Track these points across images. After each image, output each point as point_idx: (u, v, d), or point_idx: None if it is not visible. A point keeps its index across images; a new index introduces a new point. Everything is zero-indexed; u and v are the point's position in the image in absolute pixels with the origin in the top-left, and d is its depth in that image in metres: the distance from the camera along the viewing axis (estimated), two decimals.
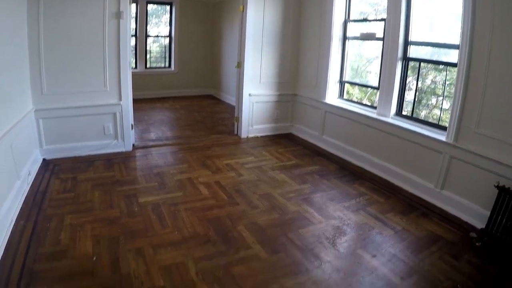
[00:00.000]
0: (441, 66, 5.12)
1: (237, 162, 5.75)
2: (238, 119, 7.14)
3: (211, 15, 11.32)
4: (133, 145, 6.13)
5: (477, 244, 3.72)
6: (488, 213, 3.82)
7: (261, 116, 7.27)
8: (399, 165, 5.22)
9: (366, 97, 6.92)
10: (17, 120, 4.27)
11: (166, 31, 11.14)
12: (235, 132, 7.30)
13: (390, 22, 5.29)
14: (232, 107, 8.80)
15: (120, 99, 5.71)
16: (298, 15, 7.13)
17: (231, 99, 10.27)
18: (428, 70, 5.42)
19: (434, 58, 5.19)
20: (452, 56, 4.66)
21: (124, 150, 5.90)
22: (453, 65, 4.56)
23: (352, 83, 6.80)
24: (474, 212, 4.16)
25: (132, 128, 6.01)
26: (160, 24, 11.20)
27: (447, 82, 4.93)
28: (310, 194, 4.77)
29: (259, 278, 3.13)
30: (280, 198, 4.59)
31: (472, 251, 3.62)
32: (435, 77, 5.41)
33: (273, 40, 7.02)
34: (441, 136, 4.58)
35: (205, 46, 11.44)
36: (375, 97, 6.34)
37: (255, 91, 7.04)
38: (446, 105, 4.96)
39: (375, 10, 6.21)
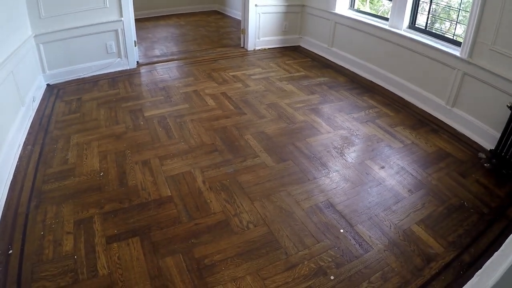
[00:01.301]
0: None
1: (244, 74, 5.63)
2: (244, 31, 6.90)
3: None
4: (137, 62, 5.97)
5: (485, 165, 3.61)
6: (498, 135, 3.66)
7: (268, 27, 7.00)
8: (410, 80, 5.04)
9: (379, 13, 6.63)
10: (16, 47, 4.12)
11: None
12: (242, 45, 7.08)
13: None
14: (238, 22, 8.50)
15: (121, 15, 5.45)
16: None
17: (237, 14, 9.89)
18: None
19: None
20: None
21: (128, 67, 5.75)
22: None
23: None
24: (485, 133, 4.02)
25: (135, 45, 5.83)
26: None
27: None
28: (318, 105, 4.68)
29: (266, 185, 3.13)
30: (287, 108, 4.51)
31: (480, 171, 3.53)
32: None
33: None
34: (455, 51, 4.32)
35: None
36: (388, 14, 6.07)
37: (261, 1, 6.70)
38: (462, 20, 4.65)
39: None
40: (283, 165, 3.41)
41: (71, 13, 5.11)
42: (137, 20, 5.96)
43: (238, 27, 8.10)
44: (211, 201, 2.92)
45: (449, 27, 5.17)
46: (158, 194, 2.98)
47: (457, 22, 4.73)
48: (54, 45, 5.15)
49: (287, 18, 7.10)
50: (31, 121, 4.20)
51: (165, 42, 7.51)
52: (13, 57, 3.91)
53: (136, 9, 5.95)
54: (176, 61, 6.22)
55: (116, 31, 5.49)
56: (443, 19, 5.32)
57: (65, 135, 3.87)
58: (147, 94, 4.85)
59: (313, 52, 6.97)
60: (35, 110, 4.45)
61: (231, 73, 5.63)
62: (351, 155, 3.64)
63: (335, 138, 3.90)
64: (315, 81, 5.51)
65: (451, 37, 4.68)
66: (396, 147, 3.83)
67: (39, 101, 4.71)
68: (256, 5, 6.64)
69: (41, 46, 5.05)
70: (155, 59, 6.28)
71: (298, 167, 3.40)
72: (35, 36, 4.93)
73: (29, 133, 3.94)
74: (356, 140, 3.90)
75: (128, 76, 5.48)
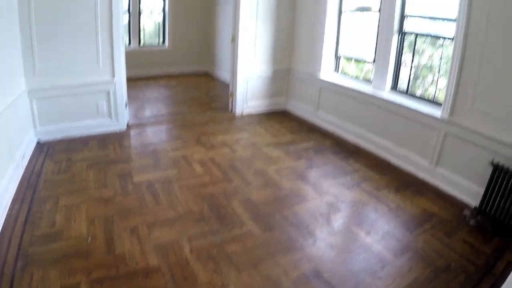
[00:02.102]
0: (438, 42, 5.01)
1: (232, 139, 5.74)
2: (232, 95, 7.09)
3: None
4: (128, 123, 6.09)
5: (470, 222, 3.73)
6: (482, 191, 3.79)
7: (256, 92, 7.22)
8: (394, 141, 5.19)
9: (362, 76, 6.85)
10: (10, 102, 4.20)
11: (160, 7, 10.95)
12: (230, 109, 7.24)
13: None
14: (227, 84, 8.71)
15: (113, 76, 5.63)
16: None
17: (226, 76, 10.14)
18: (425, 45, 5.31)
19: (431, 33, 5.07)
20: (449, 31, 4.57)
21: (118, 128, 5.85)
22: (450, 39, 4.51)
23: (347, 57, 6.72)
24: (469, 190, 4.15)
25: (126, 106, 5.96)
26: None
27: (443, 59, 4.87)
28: (304, 170, 4.77)
29: (253, 255, 3.15)
30: (274, 174, 4.59)
31: (465, 229, 3.64)
32: (432, 54, 5.30)
33: (268, 14, 6.91)
34: (436, 112, 4.53)
35: (199, 22, 11.28)
36: (371, 75, 6.29)
37: (249, 67, 6.96)
38: (443, 81, 4.84)
39: None
40: (270, 234, 3.44)
41: (65, 71, 5.29)
42: (129, 79, 6.10)
43: (226, 90, 8.26)
44: (198, 272, 2.92)
45: (428, 89, 5.34)
46: (145, 263, 2.98)
47: (437, 83, 4.99)
48: (46, 102, 5.27)
49: (274, 83, 7.34)
50: (19, 178, 4.21)
51: (155, 103, 7.69)
52: (6, 111, 3.97)
53: (128, 67, 6.11)
54: (165, 124, 6.35)
55: (108, 92, 5.66)
56: (424, 82, 5.48)
57: (53, 196, 3.88)
58: (136, 157, 4.91)
59: (299, 116, 7.16)
60: (24, 167, 4.48)
61: (219, 138, 5.73)
62: (338, 221, 3.70)
63: (322, 205, 3.96)
64: (301, 145, 5.63)
65: (432, 99, 4.93)
66: (382, 211, 3.92)
67: (28, 158, 4.75)
68: (244, 71, 6.88)
69: (34, 101, 5.17)
70: (145, 121, 6.41)
71: (285, 235, 3.43)
72: (28, 91, 5.06)
73: (17, 191, 3.94)
74: (342, 206, 3.97)
75: (118, 138, 5.56)
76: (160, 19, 10.91)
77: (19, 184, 4.09)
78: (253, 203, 3.89)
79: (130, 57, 8.92)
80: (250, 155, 5.14)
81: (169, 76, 10.68)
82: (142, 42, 10.75)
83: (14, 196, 3.84)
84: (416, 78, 5.39)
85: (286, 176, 4.57)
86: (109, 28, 5.42)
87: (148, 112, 7.02)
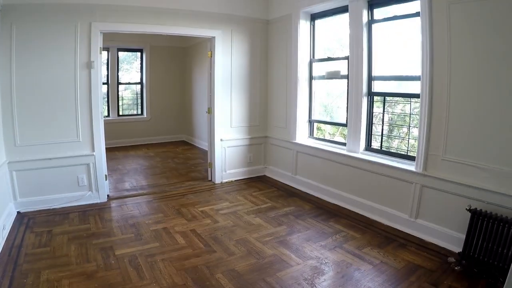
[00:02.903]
0: (405, 98, 5.27)
1: (212, 209, 5.77)
2: (211, 165, 7.20)
3: (182, 60, 11.62)
4: (108, 196, 6.11)
5: (456, 268, 3.84)
6: (463, 236, 3.93)
7: (234, 160, 7.35)
8: (372, 199, 5.34)
9: (338, 131, 7.10)
10: None
11: (137, 78, 11.27)
12: (209, 178, 7.33)
13: (353, 60, 5.53)
14: (206, 153, 8.80)
15: (93, 150, 5.74)
16: (265, 57, 7.40)
17: (204, 144, 10.31)
18: (394, 103, 5.60)
19: (399, 90, 5.39)
20: (415, 87, 4.82)
21: (99, 201, 5.87)
22: (416, 96, 4.72)
23: (321, 122, 6.94)
24: (450, 237, 4.30)
25: (106, 179, 6.01)
26: (131, 71, 11.35)
27: (412, 113, 5.08)
28: (286, 236, 4.80)
29: None
30: (256, 242, 4.61)
31: (451, 276, 3.73)
32: (402, 108, 5.59)
33: (242, 84, 7.20)
34: (411, 167, 4.74)
35: (176, 92, 11.62)
36: (342, 132, 6.51)
37: (226, 136, 7.14)
38: (413, 135, 5.10)
39: (340, 45, 6.46)
40: None
41: (45, 144, 5.40)
42: (108, 150, 6.20)
43: (205, 159, 8.45)
44: None
45: (401, 144, 5.58)
46: None
47: (409, 139, 5.21)
48: (27, 174, 5.33)
49: (252, 150, 7.52)
50: (0, 250, 4.17)
51: (134, 174, 7.75)
52: None
53: (107, 138, 6.22)
54: (145, 196, 6.36)
55: (88, 164, 5.75)
56: (396, 138, 5.72)
57: (35, 270, 3.83)
58: (118, 231, 4.89)
59: (278, 181, 7.29)
60: (4, 239, 4.45)
61: (199, 209, 5.76)
62: (322, 284, 3.69)
63: (305, 270, 3.96)
64: (281, 211, 5.69)
65: (405, 154, 5.14)
66: (366, 269, 3.94)
67: (8, 230, 4.73)
68: (221, 140, 7.06)
69: (14, 173, 5.25)
70: (125, 193, 6.42)
71: None
72: (8, 163, 5.12)
73: None
74: (326, 269, 3.98)
75: (98, 210, 5.56)
76: (138, 89, 11.16)
77: None
78: (236, 273, 3.88)
79: (109, 127, 9.13)
80: (232, 225, 5.16)
81: (148, 145, 10.93)
82: (121, 112, 10.92)
83: None
84: (388, 134, 5.64)
85: (268, 243, 4.59)
86: (88, 103, 5.63)
87: (128, 184, 7.05)
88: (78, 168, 5.71)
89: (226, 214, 5.55)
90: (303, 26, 6.52)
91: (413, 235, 4.69)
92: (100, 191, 5.89)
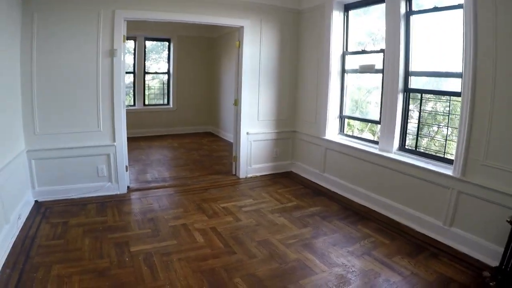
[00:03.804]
0: (445, 97, 4.93)
1: (235, 205, 5.52)
2: (236, 159, 6.96)
3: (210, 51, 11.38)
4: (128, 187, 5.93)
5: (491, 284, 3.44)
6: (501, 250, 3.55)
7: (259, 154, 7.09)
8: (404, 202, 5.02)
9: (367, 128, 6.77)
10: (8, 161, 4.15)
11: (165, 68, 11.11)
12: (233, 172, 7.09)
13: (389, 53, 5.22)
14: (231, 145, 8.60)
15: (114, 140, 5.57)
16: (295, 49, 7.08)
17: (230, 136, 10.08)
18: (430, 101, 5.22)
19: (436, 88, 5.09)
20: (455, 84, 4.57)
21: (118, 192, 5.69)
22: (457, 94, 4.46)
23: (353, 118, 6.63)
24: (486, 249, 3.97)
25: (126, 170, 5.83)
26: (159, 61, 11.20)
27: (451, 113, 4.77)
28: (311, 239, 4.53)
29: None
30: (279, 245, 4.35)
31: None
32: (438, 107, 5.22)
33: (271, 76, 6.92)
34: (448, 170, 4.42)
35: (203, 83, 11.42)
36: (377, 127, 6.18)
37: (253, 130, 6.88)
38: (451, 137, 4.80)
39: (372, 39, 6.17)
40: None
41: (65, 133, 5.25)
42: (132, 139, 6.03)
43: (230, 151, 8.19)
44: None
45: (438, 146, 5.17)
46: None
47: (446, 140, 4.84)
48: (45, 162, 5.22)
49: (278, 145, 7.23)
50: (13, 241, 4.07)
51: (157, 166, 7.56)
52: (4, 171, 3.92)
53: (132, 127, 6.05)
54: (167, 188, 6.14)
55: (108, 155, 5.57)
56: (432, 138, 5.33)
57: (46, 263, 3.68)
58: (135, 226, 4.69)
59: (305, 178, 7.00)
60: (19, 229, 4.36)
61: (222, 205, 5.51)
62: None
63: (330, 278, 3.68)
64: (307, 211, 5.41)
65: (442, 156, 4.78)
66: (395, 280, 3.64)
67: (24, 219, 4.63)
68: (247, 133, 6.80)
69: (33, 161, 5.14)
70: (146, 185, 6.23)
71: None
72: (27, 151, 5.03)
73: (9, 255, 3.80)
74: (353, 278, 3.69)
75: (117, 202, 5.38)
76: (165, 79, 11.00)
77: (12, 247, 3.96)
78: (257, 279, 3.62)
79: (134, 117, 8.99)
80: (254, 224, 4.90)
81: (173, 136, 10.74)
82: (146, 102, 10.79)
83: (6, 260, 3.69)
84: (423, 134, 5.28)
85: (292, 246, 4.33)
86: (110, 92, 5.45)
87: (149, 175, 6.86)
88: (98, 158, 5.55)
89: (249, 212, 5.30)
90: (336, 17, 6.18)
91: (445, 244, 4.36)
92: (120, 182, 5.70)
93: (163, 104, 11.16)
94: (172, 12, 5.77)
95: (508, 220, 3.43)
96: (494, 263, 3.69)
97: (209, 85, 11.49)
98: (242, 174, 6.93)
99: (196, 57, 11.18)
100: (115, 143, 5.56)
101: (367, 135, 6.70)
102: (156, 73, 11.05)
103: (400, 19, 5.02)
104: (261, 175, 7.09)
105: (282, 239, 4.50)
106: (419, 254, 4.15)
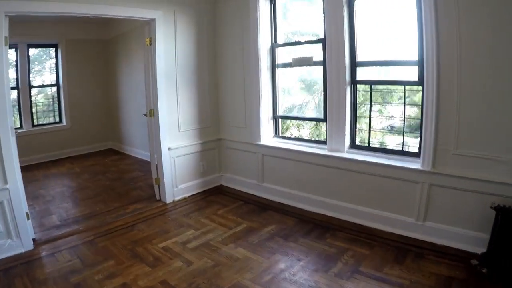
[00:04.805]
0: (395, 86, 4.63)
1: (176, 242, 4.50)
2: (159, 181, 5.88)
3: (104, 55, 10.00)
4: (34, 240, 4.57)
5: (483, 271, 3.46)
6: (482, 236, 3.65)
7: (185, 172, 6.11)
8: (368, 204, 4.67)
9: (309, 132, 6.24)
10: None
11: (52, 79, 9.47)
12: (158, 197, 5.99)
13: (332, 43, 4.75)
14: (141, 162, 7.65)
15: (5, 181, 4.18)
16: (213, 44, 6.26)
17: (136, 152, 9.10)
18: (378, 92, 4.88)
19: (386, 78, 4.82)
20: (407, 73, 4.40)
21: (23, 251, 4.32)
22: (413, 83, 4.30)
23: (290, 118, 5.97)
24: (466, 238, 3.91)
25: (28, 218, 4.50)
26: (43, 72, 9.49)
27: (407, 105, 4.51)
28: (288, 270, 3.77)
29: None
30: (257, 287, 3.48)
31: (487, 284, 3.37)
32: (389, 98, 4.87)
33: (189, 76, 5.99)
34: (415, 164, 4.22)
35: (99, 93, 10.04)
36: (315, 129, 5.95)
37: (174, 143, 5.88)
38: (409, 130, 4.61)
39: (301, 26, 5.77)
40: None
41: None
42: (22, 170, 4.62)
43: (143, 170, 7.24)
44: None
45: (395, 139, 4.95)
46: None
47: (404, 132, 4.56)
48: None
49: (204, 157, 6.35)
50: None
51: (62, 201, 6.15)
52: None
53: (21, 155, 4.70)
54: (83, 234, 4.84)
55: (1, 203, 4.19)
56: (386, 132, 5.13)
57: None
58: None
59: (239, 191, 6.22)
60: None
61: (159, 245, 4.45)
62: None
63: None
64: (263, 233, 4.66)
65: (401, 150, 4.56)
66: None
67: None
68: (169, 149, 5.80)
69: None
70: (56, 232, 4.89)
71: None
72: None
73: None
74: None
75: (25, 266, 4.02)
76: (53, 92, 9.47)
77: None
78: None
79: (23, 141, 7.46)
80: (212, 264, 3.94)
81: (71, 159, 9.25)
82: (35, 121, 9.15)
83: None
84: (376, 130, 4.98)
85: (272, 285, 3.52)
86: None
87: (56, 217, 5.45)
88: None
89: (197, 249, 4.32)
90: (262, 5, 5.51)
91: (423, 240, 4.17)
92: (23, 237, 4.34)
93: (54, 123, 9.55)
94: (66, 3, 4.51)
95: (492, 206, 3.43)
96: (478, 249, 3.66)
97: (106, 94, 10.11)
98: (168, 198, 5.88)
99: (88, 64, 9.69)
100: (7, 186, 4.19)
101: (303, 133, 6.24)
102: (42, 86, 9.42)
103: (343, 4, 4.59)
104: (190, 196, 6.12)
105: (255, 278, 3.65)
106: (405, 258, 3.88)
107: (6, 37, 4.10)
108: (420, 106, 4.18)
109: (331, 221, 4.84)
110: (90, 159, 9.18)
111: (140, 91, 8.03)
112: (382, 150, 4.67)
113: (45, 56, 9.43)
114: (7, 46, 4.16)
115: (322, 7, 4.85)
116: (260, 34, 5.53)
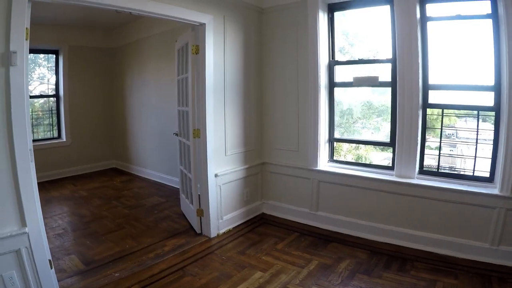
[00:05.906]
0: (469, 111, 4.56)
1: None
2: (202, 212, 5.00)
3: (109, 65, 9.06)
4: None
5: None
6: None
7: (229, 201, 5.29)
8: (440, 231, 4.43)
9: (363, 151, 5.90)
10: None
11: (50, 89, 8.47)
12: (199, 231, 5.10)
13: (404, 64, 4.49)
14: (154, 184, 7.12)
15: (23, 223, 3.15)
16: (260, 58, 5.55)
17: (147, 173, 8.25)
18: (449, 117, 4.83)
19: (459, 102, 4.55)
20: (480, 98, 4.30)
21: None
22: (488, 109, 4.24)
23: (349, 141, 5.55)
24: None
25: (51, 267, 3.50)
26: (40, 81, 8.45)
27: (479, 128, 4.37)
28: None
29: None
30: None
31: None
32: (460, 123, 4.95)
33: (236, 92, 5.25)
34: (490, 190, 4.11)
35: (103, 106, 9.10)
36: (368, 152, 5.83)
37: (221, 169, 5.07)
38: (480, 152, 4.40)
39: (358, 42, 5.45)
40: None
41: None
42: None
43: (162, 195, 6.51)
44: None
45: (464, 163, 4.85)
46: None
47: (475, 157, 4.38)
48: None
49: (248, 183, 5.57)
50: None
51: (78, 235, 5.13)
52: None
53: None
54: (122, 282, 3.85)
55: (17, 251, 3.13)
56: (455, 156, 5.02)
57: None
58: None
59: (287, 220, 5.56)
60: None
61: None
62: None
63: None
64: (341, 269, 4.11)
65: (471, 175, 4.42)
66: None
67: None
68: (216, 175, 4.98)
69: None
70: (84, 280, 3.89)
71: None
72: None
73: None
74: None
75: None
76: (52, 104, 8.48)
77: None
78: None
79: None
80: None
81: (73, 179, 8.28)
82: (33, 137, 8.11)
83: None
84: (444, 155, 4.80)
85: None
86: (5, 133, 3.05)
87: (77, 257, 4.44)
88: (2, 261, 3.08)
89: None
90: (321, 18, 5.04)
91: (498, 264, 4.04)
92: None
93: (53, 138, 8.52)
94: None
95: None
96: None
97: (111, 109, 9.16)
98: (213, 232, 5.00)
99: (93, 74, 8.77)
100: (26, 229, 3.16)
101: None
102: (41, 96, 8.40)
103: (417, 24, 4.36)
104: (234, 227, 5.30)
105: None
106: (492, 284, 3.71)
107: (27, 28, 3.12)
108: (493, 131, 4.15)
109: (402, 251, 4.50)
110: (95, 180, 8.20)
111: (155, 107, 7.26)
112: (452, 175, 4.52)
113: (45, 61, 8.43)
114: (28, 41, 3.18)
115: (392, 26, 4.61)
116: (320, 50, 5.03)
